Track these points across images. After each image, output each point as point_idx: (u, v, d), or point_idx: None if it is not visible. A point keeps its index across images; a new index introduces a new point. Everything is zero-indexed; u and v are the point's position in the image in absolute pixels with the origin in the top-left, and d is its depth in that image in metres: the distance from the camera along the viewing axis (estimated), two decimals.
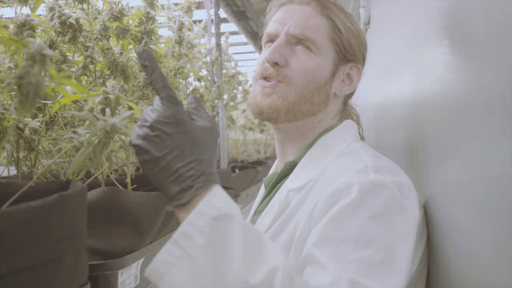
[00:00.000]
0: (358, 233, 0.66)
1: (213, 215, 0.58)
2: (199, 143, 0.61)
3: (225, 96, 2.65)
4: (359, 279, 0.61)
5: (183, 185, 0.59)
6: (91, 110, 0.60)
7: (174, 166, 0.58)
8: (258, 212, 0.93)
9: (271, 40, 0.90)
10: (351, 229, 0.67)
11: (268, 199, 0.91)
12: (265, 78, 0.86)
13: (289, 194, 0.84)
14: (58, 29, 0.89)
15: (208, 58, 2.26)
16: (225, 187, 0.62)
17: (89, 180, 0.92)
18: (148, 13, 1.03)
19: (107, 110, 0.60)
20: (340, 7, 0.91)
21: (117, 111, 0.64)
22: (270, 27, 0.91)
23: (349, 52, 0.90)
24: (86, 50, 0.97)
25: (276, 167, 1.02)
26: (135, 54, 1.07)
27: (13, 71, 0.84)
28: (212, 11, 2.56)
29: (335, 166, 0.81)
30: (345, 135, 0.90)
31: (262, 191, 1.02)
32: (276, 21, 0.89)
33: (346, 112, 0.98)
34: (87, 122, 0.58)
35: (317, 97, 0.87)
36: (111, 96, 0.61)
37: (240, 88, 3.17)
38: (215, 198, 0.59)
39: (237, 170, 2.80)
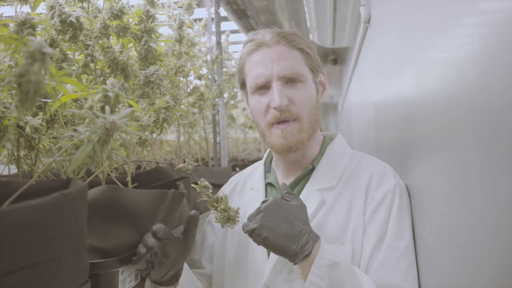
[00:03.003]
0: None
1: (326, 265, 0.86)
2: (299, 213, 0.92)
3: (226, 95, 2.64)
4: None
5: (302, 241, 0.88)
6: (91, 108, 0.60)
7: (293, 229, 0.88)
8: None
9: (262, 87, 1.04)
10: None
11: None
12: (280, 122, 1.03)
13: (319, 192, 1.04)
14: (59, 28, 0.89)
15: (208, 57, 2.26)
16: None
17: (89, 179, 0.92)
18: (148, 11, 1.03)
19: (107, 108, 0.60)
20: (293, 32, 1.07)
21: (117, 109, 0.64)
22: (257, 75, 1.04)
23: (317, 66, 1.08)
24: (87, 49, 0.97)
25: (267, 172, 1.19)
26: (135, 53, 1.06)
27: (13, 69, 0.84)
28: (212, 10, 2.55)
29: (364, 170, 1.05)
30: (344, 144, 1.14)
31: (261, 191, 1.14)
32: (259, 68, 1.03)
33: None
34: (87, 120, 0.58)
35: (318, 114, 1.07)
36: (111, 94, 0.61)
37: None
38: (324, 252, 0.88)
39: (237, 169, 2.79)
